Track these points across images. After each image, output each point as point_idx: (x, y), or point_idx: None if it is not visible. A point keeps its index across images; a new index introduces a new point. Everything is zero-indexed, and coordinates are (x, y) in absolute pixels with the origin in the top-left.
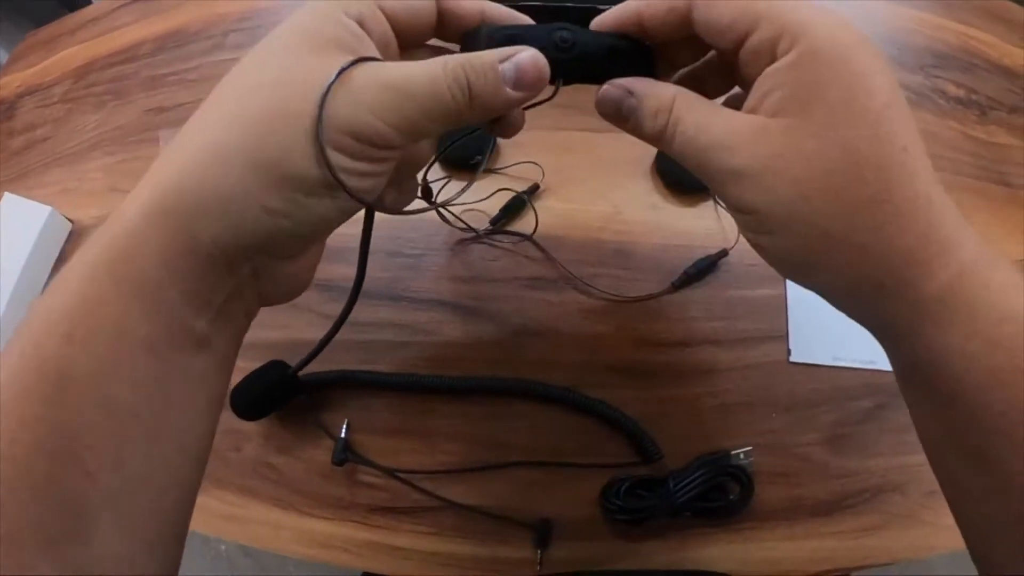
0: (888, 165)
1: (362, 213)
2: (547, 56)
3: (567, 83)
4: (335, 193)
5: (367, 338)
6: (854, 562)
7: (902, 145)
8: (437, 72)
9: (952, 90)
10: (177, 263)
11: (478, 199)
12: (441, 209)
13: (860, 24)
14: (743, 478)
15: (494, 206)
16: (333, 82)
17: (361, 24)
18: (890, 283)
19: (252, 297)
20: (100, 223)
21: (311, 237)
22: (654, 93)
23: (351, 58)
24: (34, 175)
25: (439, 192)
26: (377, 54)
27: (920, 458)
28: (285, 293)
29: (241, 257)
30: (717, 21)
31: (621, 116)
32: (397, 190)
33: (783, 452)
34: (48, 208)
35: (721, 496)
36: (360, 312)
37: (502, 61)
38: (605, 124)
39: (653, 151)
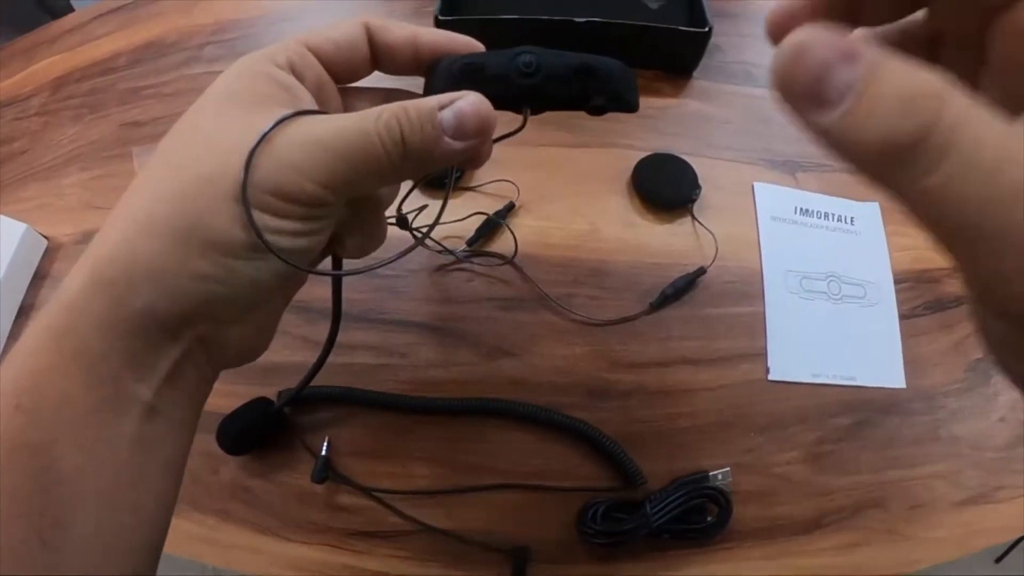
0: None
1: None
2: (511, 84)
3: (536, 112)
4: (265, 256)
5: (343, 360)
6: None
7: None
8: (368, 125)
9: None
10: (115, 333)
11: (453, 219)
12: (424, 240)
13: None
14: (721, 500)
15: (469, 227)
16: (259, 143)
17: (292, 69)
18: None
19: (203, 363)
20: (74, 241)
21: (250, 301)
22: (899, 69)
23: (282, 113)
24: (10, 190)
25: (414, 219)
26: (311, 101)
27: (901, 473)
28: (240, 358)
29: (181, 324)
30: None
31: (821, 98)
32: (361, 236)
33: (762, 471)
34: (24, 225)
35: (699, 518)
36: None
37: (441, 108)
38: (581, 139)
39: (630, 166)
